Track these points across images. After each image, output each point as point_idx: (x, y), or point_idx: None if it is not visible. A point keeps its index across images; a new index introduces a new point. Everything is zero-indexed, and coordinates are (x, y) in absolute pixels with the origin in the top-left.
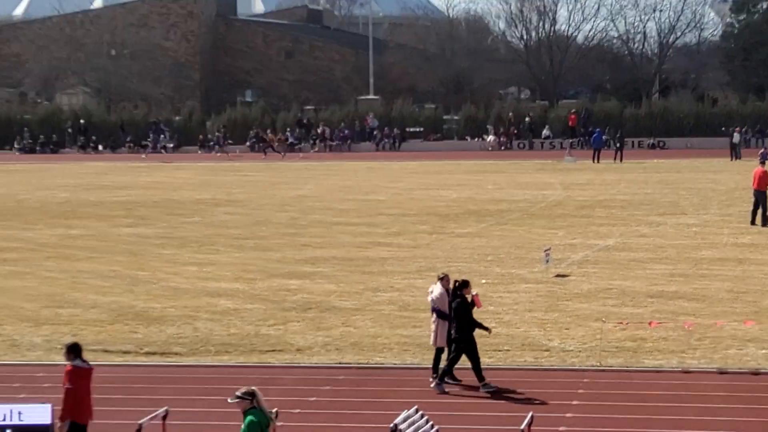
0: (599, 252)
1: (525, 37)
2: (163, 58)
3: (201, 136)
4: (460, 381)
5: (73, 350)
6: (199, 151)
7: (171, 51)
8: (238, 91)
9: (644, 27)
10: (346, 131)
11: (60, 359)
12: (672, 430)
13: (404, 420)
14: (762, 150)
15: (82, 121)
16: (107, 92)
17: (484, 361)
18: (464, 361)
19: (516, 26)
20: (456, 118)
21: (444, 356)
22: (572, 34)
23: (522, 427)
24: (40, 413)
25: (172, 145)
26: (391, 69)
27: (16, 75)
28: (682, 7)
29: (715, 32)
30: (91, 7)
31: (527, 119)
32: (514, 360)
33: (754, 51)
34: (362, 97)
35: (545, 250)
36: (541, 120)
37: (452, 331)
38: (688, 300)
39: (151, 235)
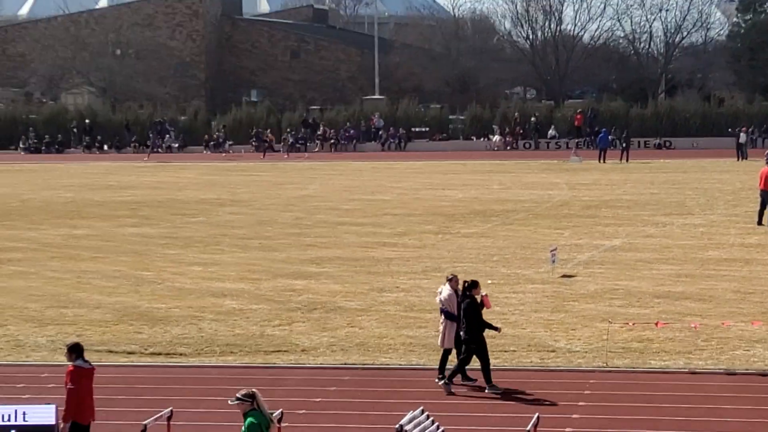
0: (605, 252)
1: (531, 36)
2: (169, 57)
3: (206, 136)
4: (475, 380)
5: (75, 350)
6: (205, 151)
7: (176, 51)
8: (243, 91)
9: (650, 27)
10: (352, 131)
11: (64, 360)
12: (679, 431)
13: (410, 421)
14: None
15: (87, 120)
16: (112, 92)
17: (490, 361)
18: (475, 361)
19: (522, 26)
20: (461, 118)
21: (451, 357)
22: (578, 33)
23: (528, 428)
24: (45, 414)
25: (177, 145)
26: (397, 69)
27: (22, 75)
28: (689, 7)
29: (722, 32)
30: (96, 6)
31: (533, 119)
32: (520, 361)
33: (760, 51)
34: (368, 97)
35: (551, 251)
36: (546, 120)
37: (462, 332)
38: (694, 301)
39: (155, 235)
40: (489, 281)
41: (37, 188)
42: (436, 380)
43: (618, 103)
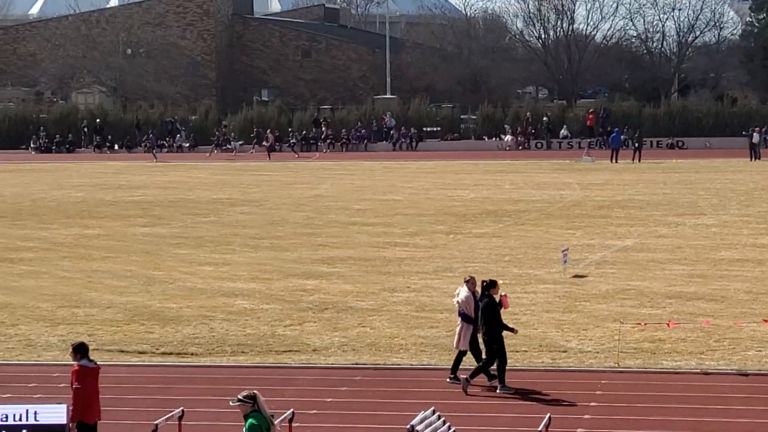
0: (617, 252)
1: (543, 36)
2: (179, 57)
3: (216, 133)
4: (495, 376)
5: (80, 350)
6: (216, 151)
7: (187, 50)
8: (254, 90)
9: (663, 26)
10: (363, 131)
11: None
12: None
13: (421, 421)
14: None
15: (97, 120)
16: (123, 91)
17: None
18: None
19: (534, 25)
20: (473, 117)
21: (465, 359)
22: (591, 33)
23: (539, 428)
24: (56, 413)
25: (188, 145)
26: (408, 68)
27: (32, 74)
28: (702, 6)
29: (735, 31)
30: (107, 5)
31: (545, 119)
32: (531, 361)
33: None
34: (379, 97)
35: (563, 251)
36: (558, 120)
37: (480, 334)
38: (706, 301)
39: (166, 235)
40: (500, 281)
41: (48, 188)
42: (448, 380)
43: (630, 103)
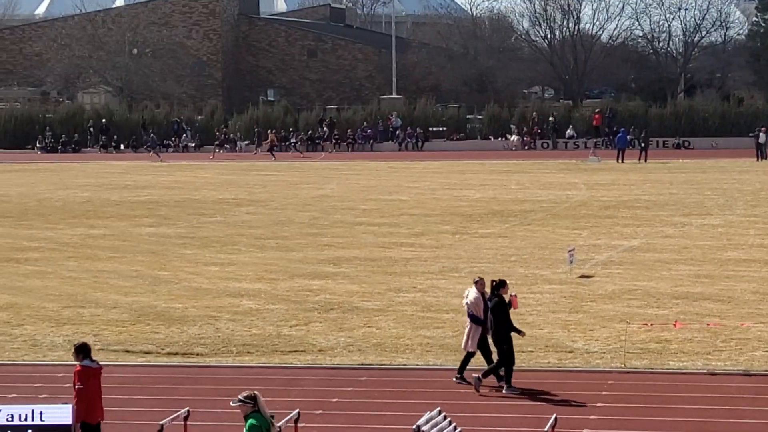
0: (623, 253)
1: (549, 36)
2: (185, 56)
3: (223, 135)
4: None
5: (82, 350)
6: (220, 150)
7: (193, 50)
8: (260, 90)
9: (669, 26)
10: (369, 131)
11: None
12: None
13: (427, 421)
14: None
15: (103, 120)
16: (129, 91)
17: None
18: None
19: (540, 25)
20: (479, 117)
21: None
22: (597, 33)
23: (546, 429)
24: (61, 413)
25: (193, 144)
26: (414, 68)
27: (38, 74)
28: (708, 6)
29: (741, 31)
30: (113, 5)
31: (551, 119)
32: (537, 361)
33: None
34: (385, 96)
35: (569, 251)
36: (565, 119)
37: (489, 335)
38: (713, 301)
39: (172, 235)
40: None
41: (53, 188)
42: (454, 379)
43: (636, 103)
